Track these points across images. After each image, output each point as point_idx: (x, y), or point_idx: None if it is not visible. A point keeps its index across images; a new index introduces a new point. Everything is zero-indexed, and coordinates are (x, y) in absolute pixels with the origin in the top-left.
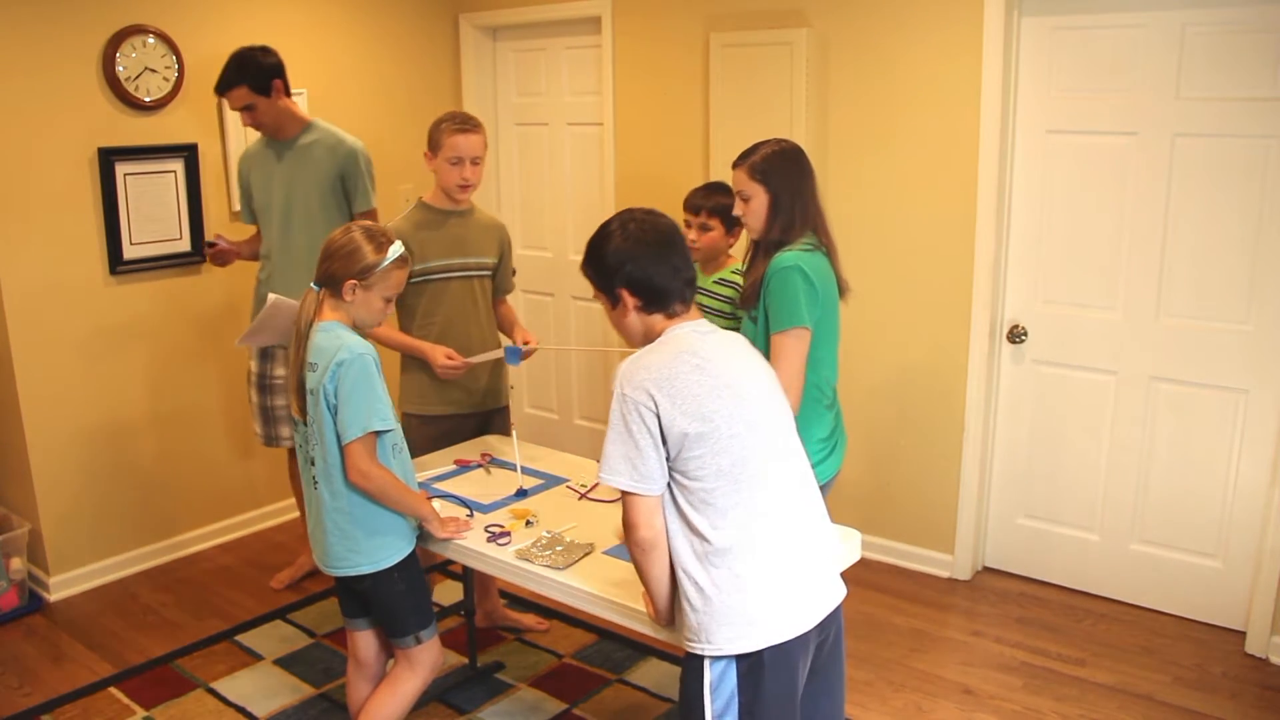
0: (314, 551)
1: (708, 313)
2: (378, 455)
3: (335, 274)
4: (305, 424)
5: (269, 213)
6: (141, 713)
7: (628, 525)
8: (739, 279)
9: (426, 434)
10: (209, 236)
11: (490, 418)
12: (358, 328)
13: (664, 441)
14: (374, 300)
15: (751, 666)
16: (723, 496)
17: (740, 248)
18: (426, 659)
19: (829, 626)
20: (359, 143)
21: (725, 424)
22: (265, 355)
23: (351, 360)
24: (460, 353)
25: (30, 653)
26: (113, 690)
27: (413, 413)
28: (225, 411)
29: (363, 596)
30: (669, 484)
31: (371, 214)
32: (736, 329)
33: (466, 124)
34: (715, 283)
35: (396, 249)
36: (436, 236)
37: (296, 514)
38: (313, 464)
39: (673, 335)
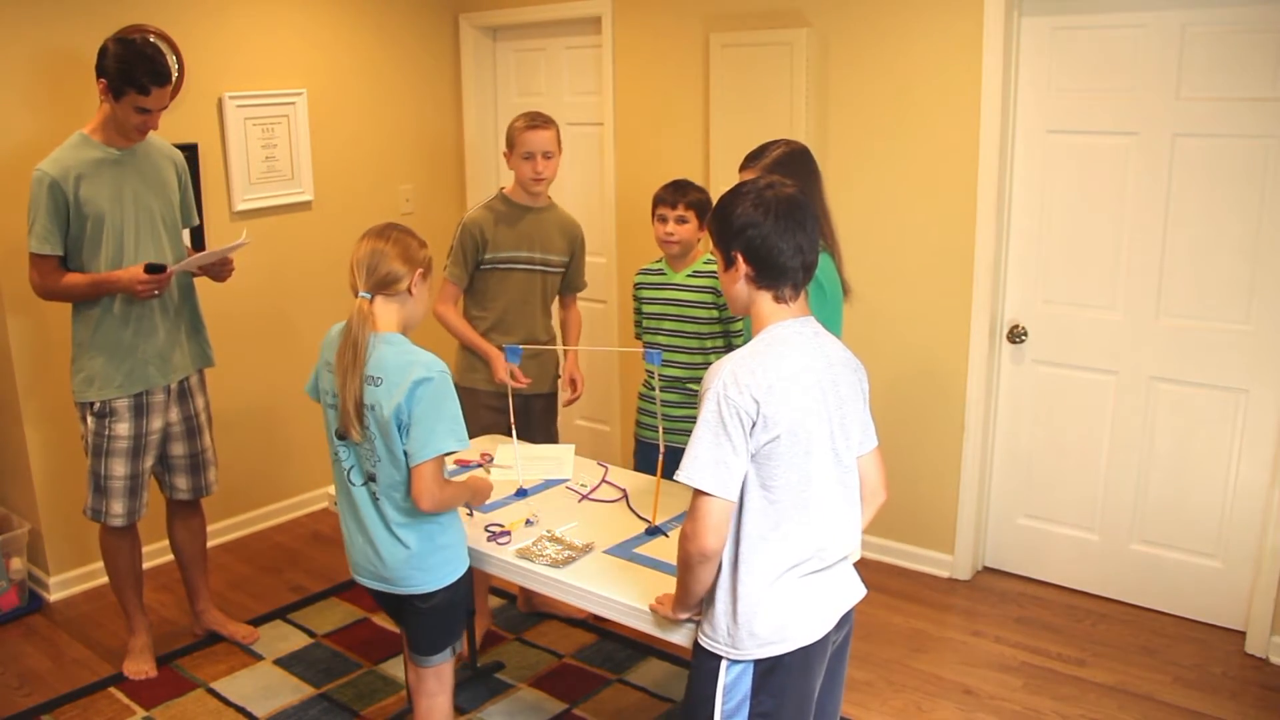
0: (365, 568)
1: (682, 307)
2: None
3: (396, 274)
4: (361, 441)
5: (116, 231)
6: (141, 713)
7: (696, 531)
8: (713, 268)
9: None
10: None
11: (530, 401)
12: (409, 325)
13: (751, 452)
14: (426, 291)
15: (770, 669)
16: (791, 509)
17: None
18: (450, 670)
19: (843, 626)
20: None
21: (805, 436)
22: (140, 410)
23: (432, 379)
24: (515, 343)
25: (30, 653)
26: (113, 690)
27: (459, 384)
28: (223, 411)
29: (412, 617)
30: (744, 495)
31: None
32: (718, 319)
33: (536, 120)
34: (688, 276)
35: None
36: (509, 229)
37: (295, 515)
38: (372, 481)
39: (778, 335)
